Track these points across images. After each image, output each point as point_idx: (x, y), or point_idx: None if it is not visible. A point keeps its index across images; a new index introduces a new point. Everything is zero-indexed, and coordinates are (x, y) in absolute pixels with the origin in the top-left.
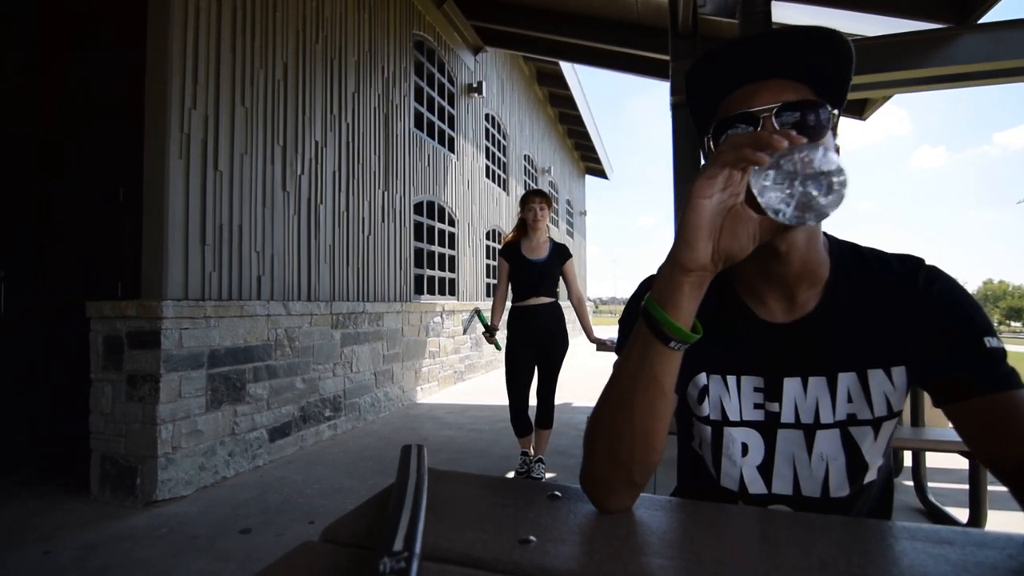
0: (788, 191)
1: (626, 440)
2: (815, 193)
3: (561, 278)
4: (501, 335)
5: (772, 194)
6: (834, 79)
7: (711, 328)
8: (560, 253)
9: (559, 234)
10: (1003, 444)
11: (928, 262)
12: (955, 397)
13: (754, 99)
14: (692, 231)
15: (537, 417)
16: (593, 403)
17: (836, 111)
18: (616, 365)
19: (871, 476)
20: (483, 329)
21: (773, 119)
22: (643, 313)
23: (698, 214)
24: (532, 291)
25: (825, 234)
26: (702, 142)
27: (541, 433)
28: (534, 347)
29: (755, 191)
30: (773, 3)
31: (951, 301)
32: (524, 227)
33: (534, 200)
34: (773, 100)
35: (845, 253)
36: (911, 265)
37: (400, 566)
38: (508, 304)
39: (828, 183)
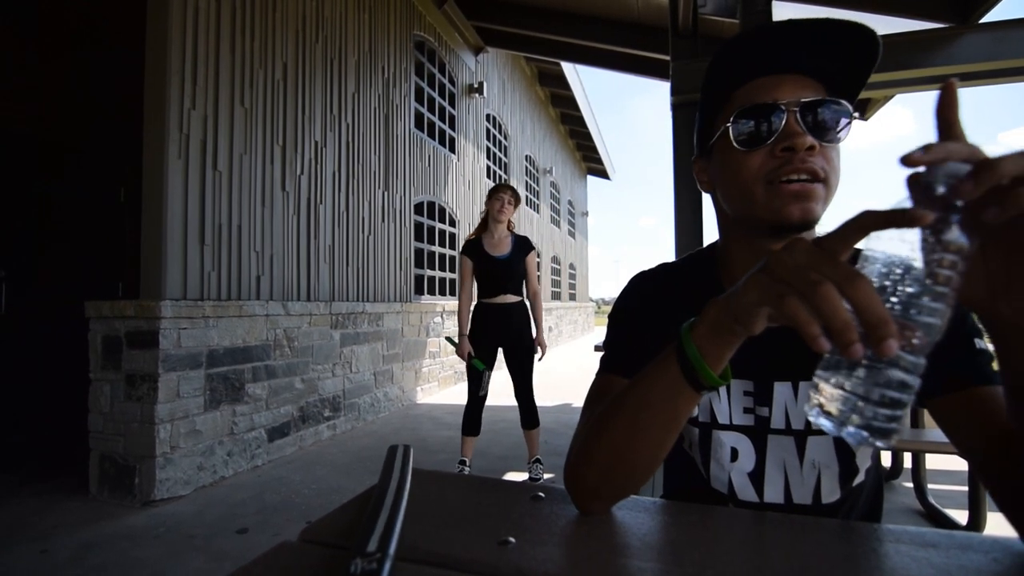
0: (849, 396)
1: (629, 463)
2: (878, 412)
3: None
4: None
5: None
6: (851, 80)
7: None
8: (523, 246)
9: (560, 235)
10: (984, 434)
11: None
12: (941, 391)
13: (775, 91)
14: (750, 315)
15: (523, 420)
16: None
17: (856, 113)
18: (631, 393)
19: (860, 478)
20: (454, 348)
21: (797, 115)
22: (681, 361)
23: (753, 317)
24: (500, 289)
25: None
26: (705, 131)
27: (529, 434)
28: (501, 346)
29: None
30: (774, 2)
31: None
32: (485, 222)
33: (505, 191)
34: (794, 95)
35: None
36: None
37: (371, 567)
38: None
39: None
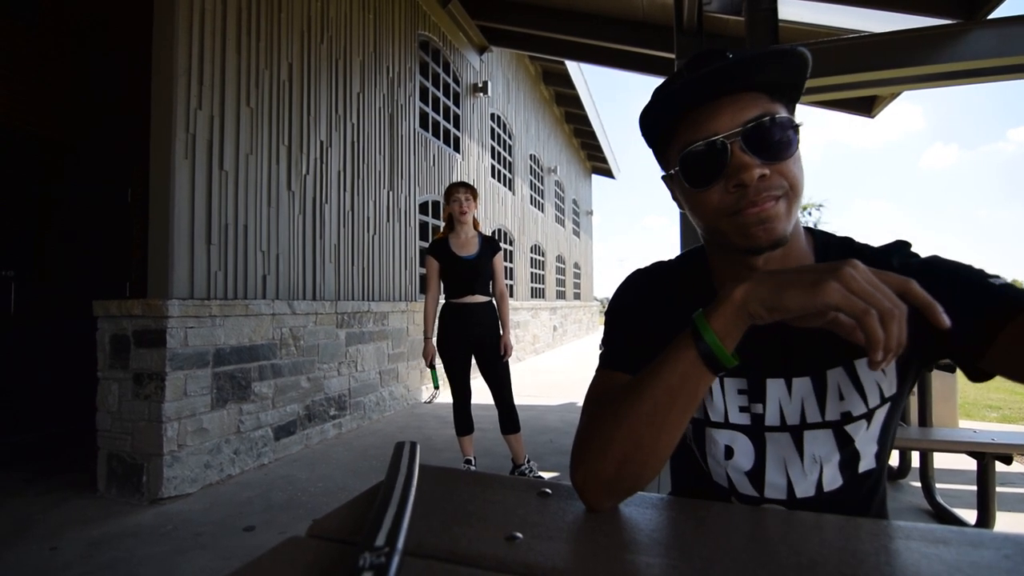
0: None
1: (646, 452)
2: None
3: None
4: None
5: None
6: (789, 85)
7: None
8: (490, 247)
9: (565, 234)
10: None
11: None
12: (988, 338)
13: (714, 122)
14: (810, 310)
15: (502, 424)
16: None
17: (800, 123)
18: (648, 380)
19: (867, 464)
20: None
21: (741, 143)
22: (697, 342)
23: (807, 312)
24: (468, 289)
25: (808, 229)
26: (660, 158)
27: (511, 439)
28: (471, 347)
29: None
30: (779, 0)
31: (940, 266)
32: (451, 222)
33: (459, 191)
34: (734, 122)
35: (832, 247)
36: (890, 246)
37: (380, 561)
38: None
39: None
